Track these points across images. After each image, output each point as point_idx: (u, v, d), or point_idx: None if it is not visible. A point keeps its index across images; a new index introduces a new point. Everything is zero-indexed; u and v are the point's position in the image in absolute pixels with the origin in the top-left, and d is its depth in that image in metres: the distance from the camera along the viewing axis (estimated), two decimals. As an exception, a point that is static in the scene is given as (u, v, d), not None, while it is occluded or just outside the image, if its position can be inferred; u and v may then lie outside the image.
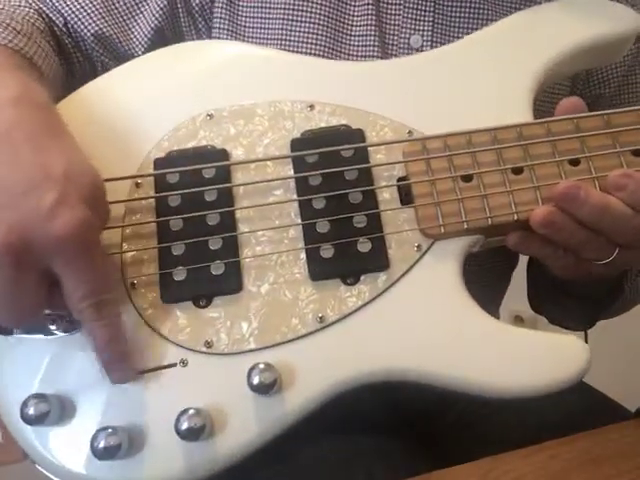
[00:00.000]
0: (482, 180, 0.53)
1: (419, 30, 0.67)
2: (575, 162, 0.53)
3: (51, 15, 0.67)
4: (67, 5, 0.67)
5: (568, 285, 0.67)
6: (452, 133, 0.54)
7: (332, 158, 0.55)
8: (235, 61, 0.60)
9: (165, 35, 0.69)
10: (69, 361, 0.51)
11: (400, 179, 0.55)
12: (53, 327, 0.52)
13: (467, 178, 0.53)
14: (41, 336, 0.52)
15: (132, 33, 0.69)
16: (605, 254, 0.53)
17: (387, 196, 0.54)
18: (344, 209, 0.53)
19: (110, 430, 0.47)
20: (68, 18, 0.67)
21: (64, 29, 0.67)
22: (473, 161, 0.54)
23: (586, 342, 0.82)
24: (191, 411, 0.47)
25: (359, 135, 0.56)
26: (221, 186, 0.54)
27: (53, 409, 0.48)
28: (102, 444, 0.47)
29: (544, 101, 0.67)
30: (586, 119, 0.55)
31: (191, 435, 0.47)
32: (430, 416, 0.72)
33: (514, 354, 0.50)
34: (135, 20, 0.69)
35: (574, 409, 0.68)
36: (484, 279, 0.74)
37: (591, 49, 0.59)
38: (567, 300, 0.73)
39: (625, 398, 0.69)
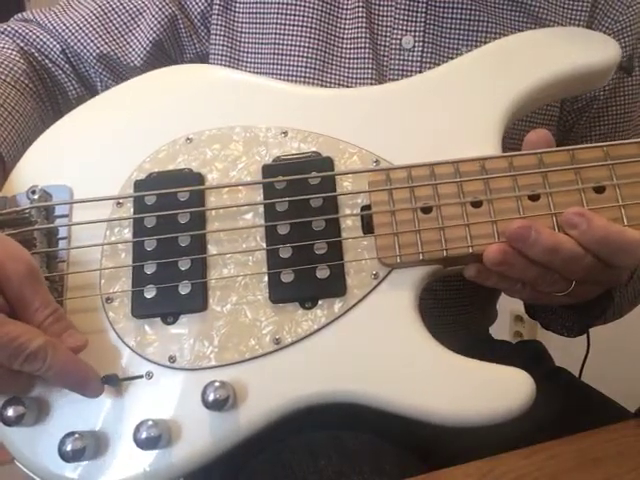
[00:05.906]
0: (441, 212, 0.54)
1: (411, 31, 0.68)
2: (535, 197, 0.54)
3: (46, 45, 0.70)
4: (68, 28, 0.70)
5: None
6: (416, 164, 0.56)
7: (300, 185, 0.57)
8: (216, 86, 0.62)
9: (164, 47, 0.72)
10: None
11: (364, 207, 0.56)
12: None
13: (426, 210, 0.54)
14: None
15: (130, 47, 0.71)
16: (561, 288, 0.53)
17: (350, 223, 0.56)
18: (307, 236, 0.55)
19: (77, 435, 0.51)
20: (70, 42, 0.70)
21: (61, 56, 0.71)
22: (434, 193, 0.55)
23: (588, 343, 0.83)
24: (150, 422, 0.51)
25: (328, 163, 0.58)
26: (194, 209, 0.57)
27: (30, 412, 0.53)
28: (69, 447, 0.51)
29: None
30: (551, 154, 0.55)
31: (147, 444, 0.51)
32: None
33: (459, 384, 0.52)
34: (133, 34, 0.72)
35: (573, 409, 0.68)
36: None
37: (567, 80, 0.58)
38: (558, 309, 0.73)
39: (625, 398, 0.69)
